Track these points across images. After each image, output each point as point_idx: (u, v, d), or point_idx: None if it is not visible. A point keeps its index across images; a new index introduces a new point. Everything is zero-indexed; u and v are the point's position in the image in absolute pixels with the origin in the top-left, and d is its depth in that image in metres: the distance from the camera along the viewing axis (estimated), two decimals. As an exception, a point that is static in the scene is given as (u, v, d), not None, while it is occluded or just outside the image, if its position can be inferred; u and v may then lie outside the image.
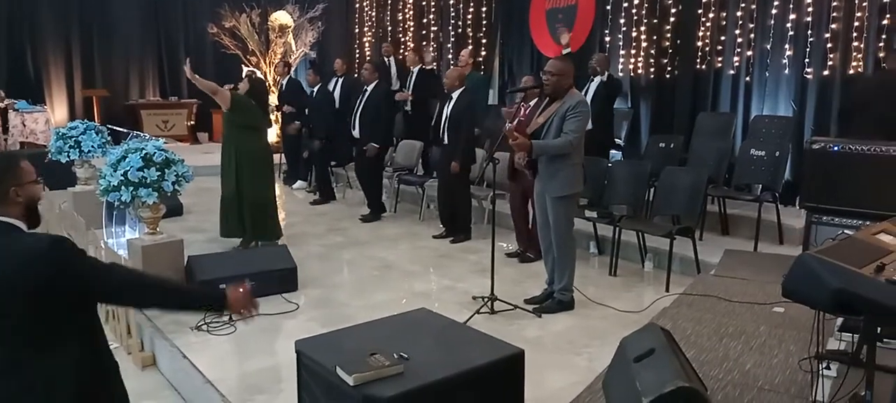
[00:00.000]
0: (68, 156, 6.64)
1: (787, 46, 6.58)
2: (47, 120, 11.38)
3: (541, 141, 4.34)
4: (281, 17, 11.73)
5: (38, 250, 1.85)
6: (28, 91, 11.87)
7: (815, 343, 2.31)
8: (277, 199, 6.27)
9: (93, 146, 6.62)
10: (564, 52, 7.40)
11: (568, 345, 4.05)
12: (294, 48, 11.91)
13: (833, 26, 6.27)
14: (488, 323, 4.30)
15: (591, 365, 3.68)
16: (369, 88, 7.35)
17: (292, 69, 10.57)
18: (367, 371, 2.38)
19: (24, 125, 11.27)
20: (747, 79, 6.95)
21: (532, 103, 5.54)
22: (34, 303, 1.83)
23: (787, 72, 6.60)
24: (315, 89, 8.39)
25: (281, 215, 6.77)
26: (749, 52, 6.91)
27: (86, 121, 7.14)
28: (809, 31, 6.42)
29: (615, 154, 7.45)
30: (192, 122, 13.11)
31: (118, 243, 5.62)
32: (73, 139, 6.59)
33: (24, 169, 1.96)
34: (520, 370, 2.74)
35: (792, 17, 6.51)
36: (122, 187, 4.59)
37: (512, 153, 4.70)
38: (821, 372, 2.76)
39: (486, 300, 4.52)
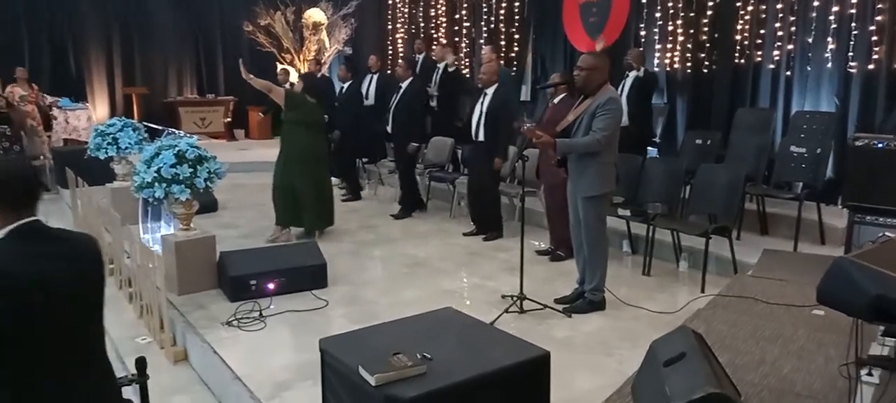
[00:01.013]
0: (106, 153, 6.77)
1: (829, 39, 6.36)
2: (89, 117, 11.66)
3: (565, 140, 4.26)
4: (315, 15, 11.82)
5: (92, 243, 1.98)
6: (71, 89, 12.19)
7: (855, 349, 2.21)
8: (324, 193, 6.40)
9: (130, 143, 6.74)
10: (598, 47, 7.29)
11: (598, 346, 3.98)
12: (327, 45, 11.99)
13: (878, 18, 6.03)
14: (517, 322, 4.25)
15: (621, 368, 3.60)
16: (404, 86, 7.35)
17: (326, 66, 10.63)
18: (390, 371, 2.36)
19: (67, 122, 11.57)
20: (788, 73, 6.75)
21: (557, 100, 5.48)
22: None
23: (829, 65, 6.39)
24: (346, 86, 8.40)
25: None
26: (790, 46, 6.71)
27: (124, 118, 7.28)
28: (853, 24, 6.19)
29: (651, 150, 7.30)
30: (229, 119, 13.30)
31: (153, 238, 5.71)
32: (111, 136, 6.72)
33: None
34: (545, 372, 2.69)
35: (835, 8, 6.30)
36: (156, 184, 4.66)
37: (541, 151, 4.64)
38: (861, 379, 2.65)
39: (515, 299, 4.47)
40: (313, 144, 6.22)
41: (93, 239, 2.03)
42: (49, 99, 11.36)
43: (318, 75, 9.12)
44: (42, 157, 9.31)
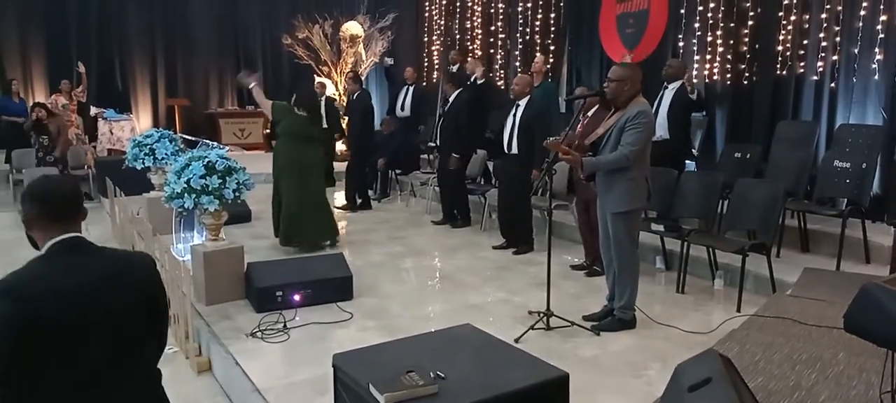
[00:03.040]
0: (143, 163, 6.91)
1: (876, 50, 6.10)
2: (133, 128, 11.98)
3: (592, 158, 4.16)
4: (352, 28, 11.91)
5: (142, 260, 2.00)
6: (116, 100, 12.56)
7: (890, 379, 2.06)
8: (317, 209, 6.30)
9: (166, 153, 6.86)
10: (626, 59, 7.13)
11: (626, 367, 3.85)
12: (364, 58, 12.06)
13: (930, 28, 5.78)
14: (543, 339, 4.15)
15: (649, 390, 3.47)
16: (451, 99, 7.35)
17: (363, 79, 10.68)
18: (400, 391, 2.30)
19: (112, 133, 11.92)
20: (832, 85, 6.50)
21: (591, 113, 5.36)
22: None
23: (876, 77, 6.12)
24: (354, 96, 8.41)
25: (345, 223, 6.95)
26: (834, 57, 6.46)
27: (161, 129, 7.42)
28: (903, 34, 5.94)
29: (689, 164, 7.11)
30: (268, 131, 13.47)
31: (185, 248, 5.77)
32: (148, 147, 6.85)
33: None
34: (564, 394, 2.60)
35: (882, 18, 6.04)
36: (185, 194, 4.71)
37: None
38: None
39: (541, 315, 4.37)
40: (301, 157, 6.12)
41: (146, 258, 2.04)
42: (95, 109, 11.72)
43: (355, 95, 8.98)
44: (86, 167, 9.57)
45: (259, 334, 4.27)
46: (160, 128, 7.49)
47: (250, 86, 6.51)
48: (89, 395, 1.81)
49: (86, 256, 1.85)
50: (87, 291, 1.78)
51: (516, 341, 3.94)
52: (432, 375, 2.44)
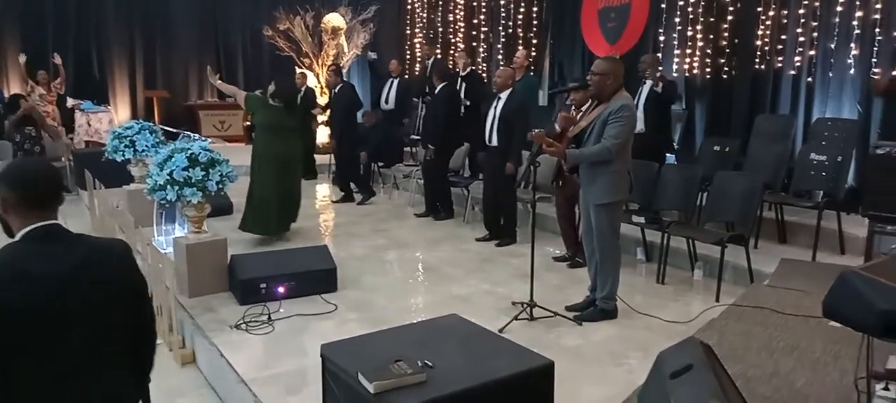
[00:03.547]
0: (123, 155, 6.84)
1: (852, 45, 6.22)
2: (111, 120, 11.82)
3: (575, 150, 4.21)
4: (333, 20, 11.85)
5: (118, 247, 1.93)
6: (93, 92, 12.37)
7: (866, 362, 2.13)
8: (285, 200, 6.34)
9: (146, 145, 6.79)
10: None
11: (608, 356, 3.91)
12: (346, 50, 12.01)
13: (903, 24, 5.90)
14: (526, 330, 4.20)
15: (630, 378, 3.53)
16: (436, 91, 7.39)
17: (345, 71, 10.65)
18: (389, 379, 2.33)
19: (89, 125, 11.74)
20: (809, 79, 6.62)
21: (585, 108, 5.40)
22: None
23: (852, 72, 6.25)
24: (336, 89, 8.39)
25: (331, 215, 7.01)
26: (811, 52, 6.58)
27: (141, 121, 7.35)
28: (878, 30, 6.05)
29: (669, 157, 7.20)
30: (249, 123, 13.36)
31: (167, 240, 5.74)
32: (129, 138, 6.78)
33: None
34: (549, 382, 2.64)
35: (859, 14, 6.16)
36: (168, 186, 4.68)
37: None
38: (877, 393, 2.57)
39: (525, 306, 4.41)
40: (281, 150, 6.17)
41: (122, 245, 1.96)
42: (72, 101, 11.55)
43: (337, 88, 8.98)
44: (63, 158, 9.45)
45: (243, 326, 4.27)
46: (140, 120, 7.40)
47: (217, 84, 6.64)
48: (69, 387, 1.76)
49: (63, 244, 1.79)
50: (62, 279, 1.73)
51: (500, 331, 3.98)
52: (420, 364, 2.47)
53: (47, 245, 1.76)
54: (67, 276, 1.74)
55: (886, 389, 2.69)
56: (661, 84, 6.46)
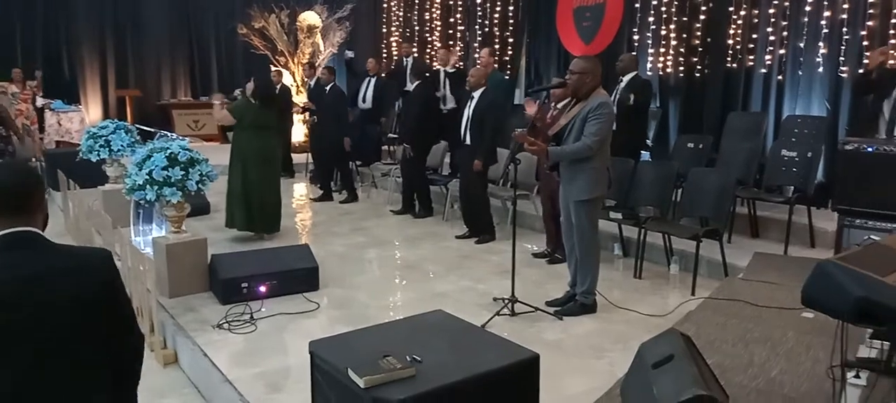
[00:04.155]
0: (98, 155, 6.76)
1: (820, 44, 6.40)
2: (82, 119, 11.65)
3: (556, 148, 4.27)
4: (309, 18, 11.81)
5: (95, 259, 1.76)
6: (64, 91, 12.16)
7: (839, 351, 2.22)
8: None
9: (122, 145, 6.72)
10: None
11: (589, 350, 3.99)
12: (322, 48, 11.98)
13: (870, 23, 6.08)
14: (508, 325, 4.26)
15: (611, 370, 3.61)
16: (412, 89, 7.43)
17: (318, 70, 10.62)
18: (379, 374, 2.36)
19: (60, 124, 11.56)
20: (779, 77, 6.79)
21: (561, 105, 5.47)
22: (91, 320, 1.70)
23: (820, 70, 6.43)
24: (328, 88, 8.39)
25: (308, 214, 7.03)
26: (781, 50, 6.75)
27: (116, 120, 7.26)
28: (845, 29, 6.24)
29: (644, 154, 7.32)
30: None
31: (144, 241, 5.69)
32: (104, 138, 6.70)
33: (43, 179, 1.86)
34: (535, 374, 2.69)
35: (827, 14, 6.34)
36: (147, 186, 4.65)
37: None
38: (849, 381, 2.67)
39: (506, 302, 4.47)
40: (264, 147, 6.23)
41: (101, 255, 1.81)
42: (41, 101, 11.35)
43: (313, 81, 9.06)
44: (34, 159, 9.29)
45: (226, 325, 4.26)
46: (115, 120, 7.30)
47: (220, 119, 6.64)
48: None
49: (27, 253, 1.66)
50: (8, 291, 1.60)
51: (483, 327, 4.03)
52: (408, 359, 2.50)
53: (11, 253, 1.64)
54: (13, 289, 1.60)
55: (857, 376, 2.79)
56: (632, 96, 6.54)
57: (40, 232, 1.73)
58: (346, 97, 8.55)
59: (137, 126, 7.67)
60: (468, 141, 6.27)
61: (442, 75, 8.65)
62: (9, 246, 1.65)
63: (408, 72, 9.09)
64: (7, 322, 1.59)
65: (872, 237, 3.31)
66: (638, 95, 6.55)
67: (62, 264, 1.70)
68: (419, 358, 2.52)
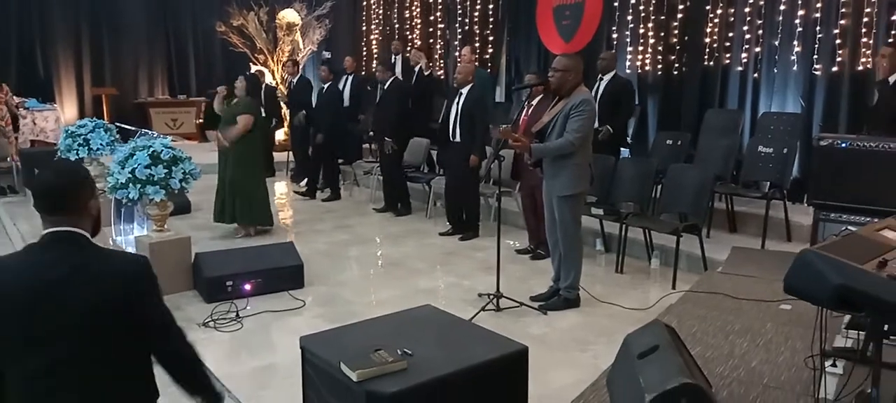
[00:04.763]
0: (77, 154, 6.66)
1: (795, 43, 6.53)
2: (57, 118, 11.45)
3: (540, 144, 4.33)
4: (288, 15, 11.75)
5: (127, 266, 1.80)
6: (38, 90, 11.94)
7: (818, 341, 2.30)
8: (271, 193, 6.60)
9: (101, 144, 6.64)
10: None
11: (573, 343, 4.05)
12: (301, 46, 11.93)
13: (842, 22, 6.22)
14: (493, 320, 4.31)
15: (596, 363, 3.67)
16: (385, 86, 7.41)
17: (301, 67, 10.59)
18: (371, 367, 2.39)
19: (35, 123, 11.35)
20: (755, 75, 6.91)
21: (535, 101, 5.53)
22: (123, 325, 1.74)
23: (795, 68, 6.55)
24: (325, 86, 8.38)
25: (290, 212, 7.12)
26: (757, 49, 6.87)
27: (95, 119, 7.18)
28: (818, 28, 6.37)
29: (623, 151, 7.40)
30: (201, 120, 13.14)
31: (126, 240, 5.65)
32: (82, 137, 6.62)
33: (94, 180, 1.90)
34: (524, 367, 2.74)
35: (801, 13, 6.47)
36: (130, 185, 4.62)
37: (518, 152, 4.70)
38: (826, 370, 2.75)
39: (491, 297, 4.52)
40: (252, 144, 6.35)
41: (136, 262, 1.85)
42: (16, 99, 11.16)
43: (295, 79, 9.07)
44: (9, 158, 9.14)
45: (212, 324, 4.26)
46: (93, 118, 7.22)
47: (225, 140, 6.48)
48: None
49: (63, 254, 1.70)
50: (28, 294, 1.65)
51: (469, 321, 4.07)
52: (400, 352, 2.54)
53: (48, 254, 1.70)
54: (34, 292, 1.65)
55: (834, 365, 2.89)
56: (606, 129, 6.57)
57: (83, 233, 1.76)
58: (341, 96, 8.56)
59: (117, 124, 7.60)
60: (457, 138, 6.29)
61: (414, 75, 8.73)
62: (48, 246, 1.71)
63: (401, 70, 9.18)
64: (24, 324, 1.64)
65: (849, 228, 3.41)
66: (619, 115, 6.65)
67: (93, 268, 1.72)
68: (410, 352, 2.56)
